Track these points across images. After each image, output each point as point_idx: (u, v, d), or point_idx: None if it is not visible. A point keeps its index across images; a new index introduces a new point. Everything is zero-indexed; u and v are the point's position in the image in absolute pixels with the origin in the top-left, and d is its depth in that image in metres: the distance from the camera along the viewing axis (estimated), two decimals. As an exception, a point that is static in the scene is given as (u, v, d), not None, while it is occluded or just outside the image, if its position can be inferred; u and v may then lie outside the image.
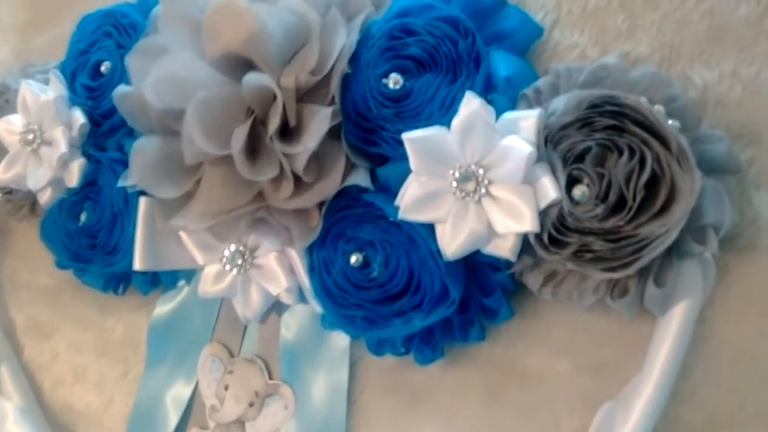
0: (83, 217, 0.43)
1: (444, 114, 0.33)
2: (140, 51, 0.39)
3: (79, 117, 0.42)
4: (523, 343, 0.36)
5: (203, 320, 0.44)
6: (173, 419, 0.43)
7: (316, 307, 0.38)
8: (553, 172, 0.30)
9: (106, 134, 0.43)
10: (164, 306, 0.45)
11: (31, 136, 0.43)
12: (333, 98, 0.35)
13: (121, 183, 0.40)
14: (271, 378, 0.42)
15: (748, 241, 0.32)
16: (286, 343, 0.41)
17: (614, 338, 0.34)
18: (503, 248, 0.32)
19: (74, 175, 0.42)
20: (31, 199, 0.47)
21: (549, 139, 0.30)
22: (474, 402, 0.37)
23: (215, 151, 0.34)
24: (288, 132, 0.35)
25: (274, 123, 0.34)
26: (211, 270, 0.41)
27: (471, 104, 0.30)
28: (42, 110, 0.42)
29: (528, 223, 0.30)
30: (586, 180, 0.30)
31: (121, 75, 0.42)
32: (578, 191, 0.30)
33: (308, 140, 0.33)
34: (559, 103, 0.31)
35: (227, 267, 0.40)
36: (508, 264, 0.34)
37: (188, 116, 0.34)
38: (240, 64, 0.36)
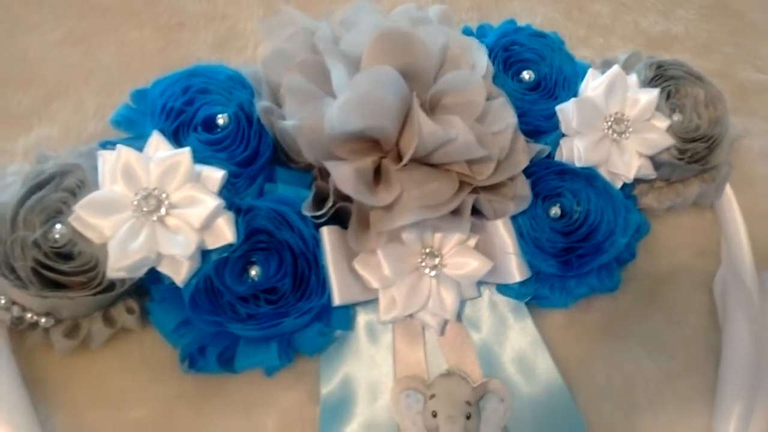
0: (255, 272, 0.37)
1: (569, 91, 0.45)
2: (294, 92, 0.39)
3: (210, 171, 0.38)
4: (649, 252, 0.47)
5: (381, 357, 0.41)
6: None
7: (514, 275, 0.42)
8: (657, 108, 0.45)
9: (248, 181, 0.39)
10: (332, 366, 0.40)
11: (154, 203, 0.36)
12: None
13: (305, 210, 0.38)
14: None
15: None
16: (481, 342, 0.42)
17: (700, 227, 0.49)
18: (649, 171, 0.44)
19: (226, 231, 0.37)
20: (89, 316, 0.37)
21: (645, 90, 0.46)
22: (642, 310, 0.45)
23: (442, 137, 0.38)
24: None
25: (473, 112, 0.40)
26: (398, 290, 0.40)
27: (612, 72, 0.43)
28: (163, 172, 0.36)
29: (668, 139, 0.44)
30: (677, 109, 0.46)
31: (248, 121, 0.40)
32: (676, 117, 0.45)
33: (507, 118, 0.40)
34: (641, 67, 0.46)
35: (427, 271, 0.40)
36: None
37: (415, 108, 0.37)
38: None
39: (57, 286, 0.35)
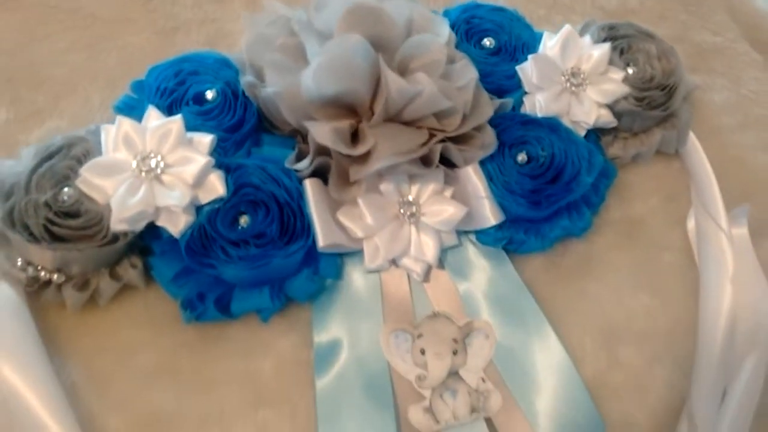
0: (244, 220, 0.40)
1: (527, 55, 0.49)
2: (273, 66, 0.44)
3: (202, 137, 0.42)
4: (621, 200, 0.50)
5: (370, 304, 0.44)
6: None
7: (489, 219, 0.45)
8: (611, 62, 0.49)
9: (236, 145, 0.43)
10: (324, 313, 0.43)
11: (153, 163, 0.40)
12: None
13: (288, 164, 0.42)
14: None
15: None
16: (465, 289, 0.44)
17: (669, 175, 0.51)
18: (609, 119, 0.48)
19: (217, 185, 0.41)
20: (97, 272, 0.41)
21: (599, 48, 0.49)
22: (619, 251, 0.48)
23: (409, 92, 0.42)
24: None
25: (436, 69, 0.44)
26: (380, 237, 0.43)
27: (564, 31, 0.48)
28: (159, 138, 0.40)
29: (623, 88, 0.47)
30: (631, 62, 0.49)
31: (234, 95, 0.45)
32: (630, 70, 0.49)
33: (469, 74, 0.44)
34: (594, 29, 0.50)
35: (405, 217, 0.43)
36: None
37: (383, 67, 0.41)
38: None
39: (66, 241, 0.39)
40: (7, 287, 0.40)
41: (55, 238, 0.39)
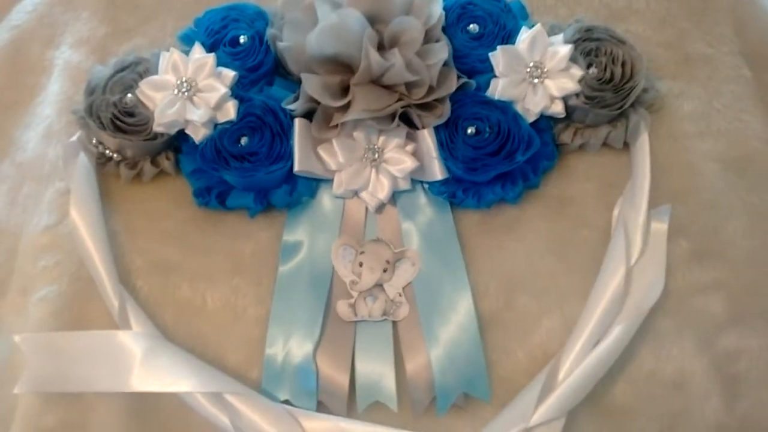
0: (243, 140, 0.55)
1: (504, 43, 0.58)
2: (290, 23, 0.56)
3: (228, 72, 0.56)
4: (561, 180, 0.59)
5: (332, 221, 0.57)
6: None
7: (437, 175, 0.56)
8: (575, 61, 0.57)
9: (252, 83, 0.57)
10: (295, 220, 0.57)
11: (187, 86, 0.55)
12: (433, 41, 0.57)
13: (285, 104, 0.55)
14: (395, 252, 0.57)
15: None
16: (408, 226, 0.56)
17: (612, 165, 0.59)
18: (558, 110, 0.56)
19: (231, 111, 0.55)
20: (143, 158, 0.57)
21: (569, 48, 0.57)
22: (544, 221, 0.57)
23: (383, 64, 0.53)
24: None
25: (413, 47, 0.55)
26: (345, 172, 0.56)
27: (534, 29, 0.56)
28: (196, 68, 0.55)
29: (576, 86, 0.55)
30: (594, 64, 0.57)
31: (260, 42, 0.58)
32: (590, 71, 0.57)
33: (441, 55, 0.55)
34: (569, 30, 0.58)
35: (368, 160, 0.56)
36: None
37: (366, 42, 0.53)
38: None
39: (123, 132, 0.56)
40: (85, 157, 0.58)
41: (117, 129, 0.55)
